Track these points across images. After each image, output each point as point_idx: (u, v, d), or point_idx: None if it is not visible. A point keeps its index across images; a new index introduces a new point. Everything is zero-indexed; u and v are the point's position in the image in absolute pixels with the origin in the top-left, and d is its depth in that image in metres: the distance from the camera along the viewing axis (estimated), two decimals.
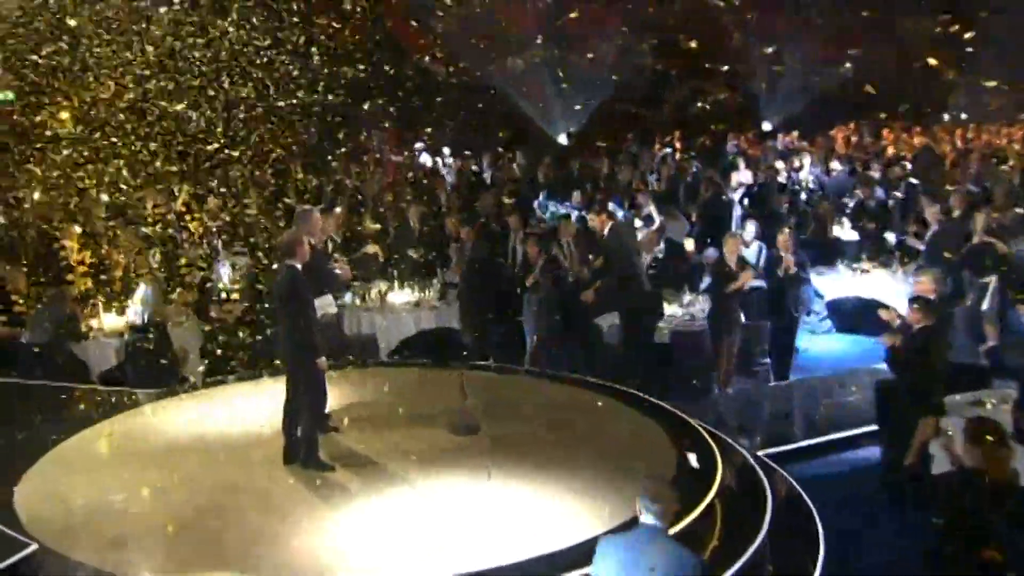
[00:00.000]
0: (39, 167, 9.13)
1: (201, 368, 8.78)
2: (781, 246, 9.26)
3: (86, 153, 9.12)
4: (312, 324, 6.02)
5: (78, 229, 9.33)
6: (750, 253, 9.55)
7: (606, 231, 8.77)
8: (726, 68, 17.53)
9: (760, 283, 9.27)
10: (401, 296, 9.83)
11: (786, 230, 9.50)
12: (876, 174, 12.09)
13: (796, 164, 13.22)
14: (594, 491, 5.66)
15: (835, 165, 13.33)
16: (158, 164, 9.71)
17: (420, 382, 7.99)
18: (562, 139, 17.96)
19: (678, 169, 13.56)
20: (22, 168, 9.30)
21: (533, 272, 8.99)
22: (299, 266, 5.95)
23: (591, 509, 5.42)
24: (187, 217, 10.94)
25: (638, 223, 10.55)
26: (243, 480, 6.05)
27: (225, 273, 9.65)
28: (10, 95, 9.70)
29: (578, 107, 17.88)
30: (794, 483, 6.37)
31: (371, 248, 8.78)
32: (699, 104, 18.18)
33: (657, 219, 10.54)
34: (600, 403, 7.38)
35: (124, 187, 8.94)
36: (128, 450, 6.57)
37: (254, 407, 7.15)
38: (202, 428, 6.91)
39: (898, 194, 11.09)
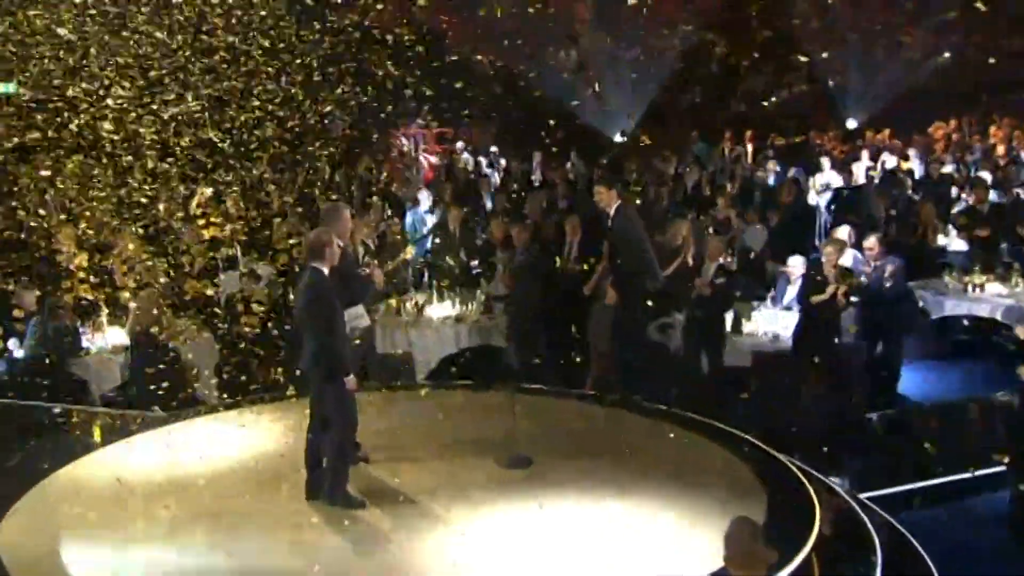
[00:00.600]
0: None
1: (215, 388, 8.65)
2: (870, 254, 8.85)
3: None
4: (339, 336, 5.81)
5: (73, 230, 9.19)
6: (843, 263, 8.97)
7: (612, 210, 8.12)
8: (805, 59, 16.98)
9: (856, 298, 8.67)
10: (440, 309, 9.63)
11: (873, 237, 9.06)
12: (987, 175, 11.44)
13: (891, 164, 12.64)
14: (666, 537, 5.42)
15: (935, 166, 12.70)
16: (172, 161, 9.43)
17: (463, 406, 7.77)
18: (617, 137, 17.56)
19: (753, 170, 13.04)
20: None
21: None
22: (326, 270, 5.75)
23: (662, 559, 5.15)
24: (201, 220, 10.72)
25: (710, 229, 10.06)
26: (261, 517, 5.82)
27: (243, 283, 9.41)
28: (11, 87, 9.49)
29: (636, 103, 17.42)
30: (904, 532, 5.98)
31: (408, 252, 8.42)
32: (774, 99, 17.64)
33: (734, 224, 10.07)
34: (672, 433, 7.06)
35: (131, 182, 8.58)
36: (130, 481, 6.36)
37: (274, 433, 7.03)
38: (215, 457, 6.74)
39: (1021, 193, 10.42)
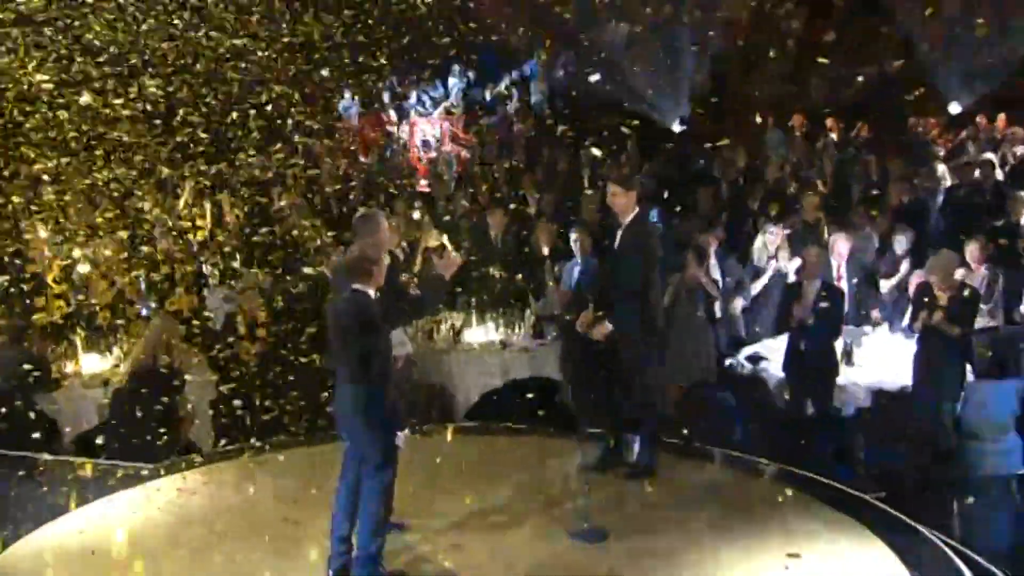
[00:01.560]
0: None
1: (211, 431, 8.27)
2: (974, 262, 8.48)
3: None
4: (389, 375, 5.54)
5: (44, 234, 8.86)
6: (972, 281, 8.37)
7: (627, 219, 7.35)
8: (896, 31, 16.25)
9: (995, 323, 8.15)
10: (481, 333, 9.35)
11: (974, 243, 8.65)
12: None
13: (1012, 158, 11.92)
14: None
15: None
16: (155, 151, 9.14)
17: (513, 455, 7.36)
18: (676, 126, 16.87)
19: (846, 163, 12.33)
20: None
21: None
22: (372, 292, 5.42)
23: None
24: (187, 223, 10.51)
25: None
26: None
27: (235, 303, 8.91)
28: None
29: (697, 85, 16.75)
30: None
31: (450, 257, 7.71)
32: (859, 79, 16.89)
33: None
34: (781, 496, 6.49)
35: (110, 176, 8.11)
36: (107, 555, 5.95)
37: (283, 489, 6.75)
38: (211, 520, 6.37)
39: None
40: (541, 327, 9.29)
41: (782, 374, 8.26)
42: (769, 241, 9.40)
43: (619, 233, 6.87)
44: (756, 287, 9.21)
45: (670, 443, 7.65)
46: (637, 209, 7.26)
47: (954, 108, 15.97)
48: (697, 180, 12.34)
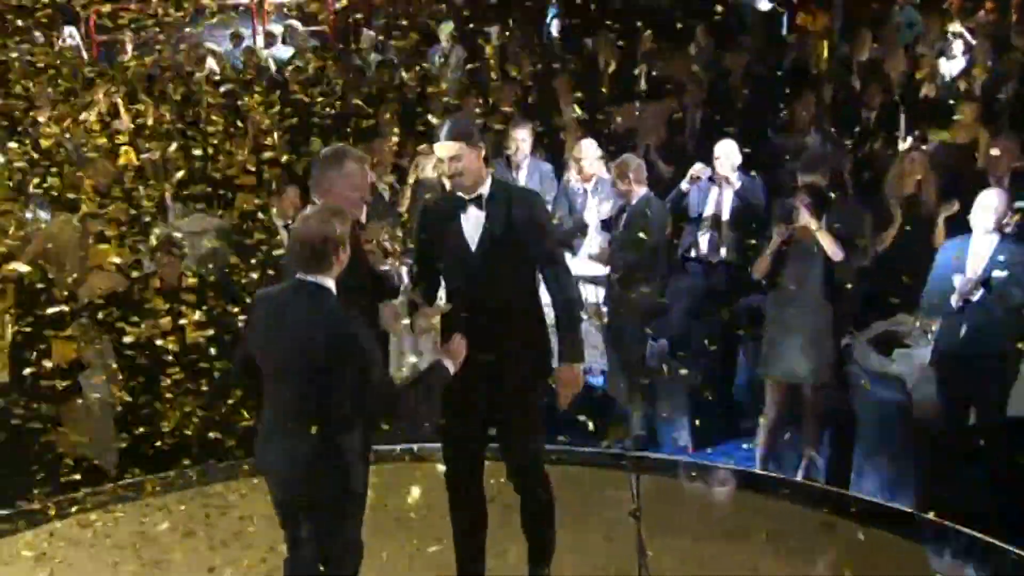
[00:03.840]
0: None
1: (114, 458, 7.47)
2: None
3: None
4: (356, 419, 4.50)
5: None
6: None
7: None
8: None
9: None
10: None
11: None
12: None
13: None
14: None
15: None
16: None
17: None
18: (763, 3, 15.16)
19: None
20: None
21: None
22: (332, 285, 4.46)
23: None
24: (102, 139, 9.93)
25: None
26: None
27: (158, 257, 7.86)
28: None
29: None
30: None
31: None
32: None
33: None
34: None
35: None
36: None
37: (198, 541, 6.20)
38: None
39: None
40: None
41: (928, 368, 7.03)
42: (906, 170, 7.98)
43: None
44: (886, 241, 7.91)
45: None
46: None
47: None
48: (796, 82, 10.90)
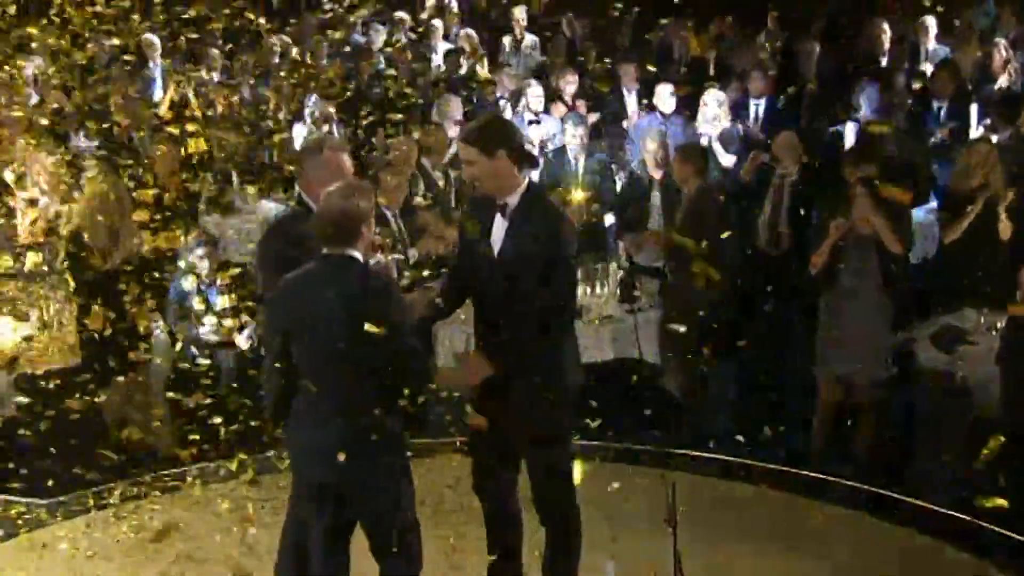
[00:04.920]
0: None
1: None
2: None
3: None
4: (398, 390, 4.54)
5: None
6: None
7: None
8: None
9: None
10: None
11: None
12: None
13: None
14: None
15: None
16: None
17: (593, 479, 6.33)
18: None
19: None
20: None
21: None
22: (360, 256, 4.49)
23: None
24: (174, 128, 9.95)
25: None
26: None
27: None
28: None
29: None
30: None
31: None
32: None
33: None
34: None
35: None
36: None
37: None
38: None
39: None
40: (632, 285, 7.96)
41: (992, 366, 6.70)
42: (974, 161, 7.67)
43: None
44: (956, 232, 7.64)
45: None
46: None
47: None
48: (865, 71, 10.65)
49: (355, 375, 4.35)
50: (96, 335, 7.01)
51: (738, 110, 10.15)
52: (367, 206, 4.44)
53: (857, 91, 9.84)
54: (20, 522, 6.27)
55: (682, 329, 7.18)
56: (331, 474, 4.39)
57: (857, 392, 6.96)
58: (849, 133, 9.61)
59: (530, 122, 10.00)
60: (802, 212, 7.87)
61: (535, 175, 7.95)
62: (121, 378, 7.11)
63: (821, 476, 6.72)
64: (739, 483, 6.78)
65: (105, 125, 9.56)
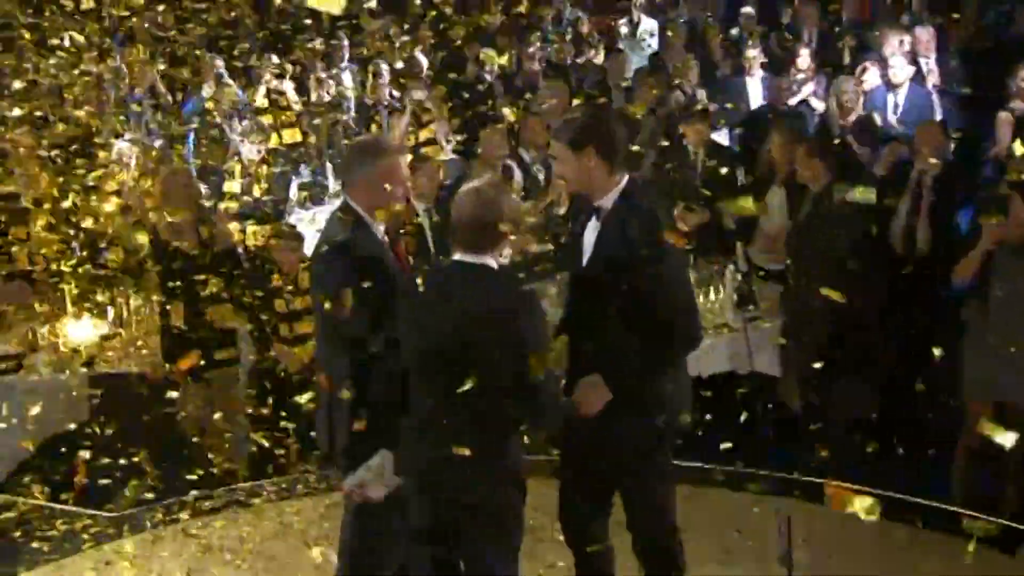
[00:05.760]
0: None
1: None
2: None
3: None
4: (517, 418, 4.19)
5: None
6: None
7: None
8: None
9: None
10: None
11: None
12: None
13: None
14: None
15: None
16: None
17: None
18: None
19: None
20: None
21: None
22: (494, 264, 4.22)
23: None
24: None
25: None
26: None
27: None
28: None
29: None
30: None
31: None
32: None
33: None
34: None
35: None
36: None
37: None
38: None
39: None
40: (751, 289, 7.43)
41: None
42: None
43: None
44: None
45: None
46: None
47: None
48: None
49: (460, 398, 3.94)
50: (178, 332, 6.73)
51: (874, 97, 9.48)
52: (513, 207, 4.12)
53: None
54: (85, 536, 6.03)
55: (804, 340, 6.93)
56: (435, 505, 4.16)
57: (1009, 418, 6.23)
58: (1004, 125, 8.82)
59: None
60: (944, 214, 7.20)
61: None
62: (202, 380, 6.81)
63: (972, 514, 5.82)
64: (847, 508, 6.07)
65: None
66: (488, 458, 4.00)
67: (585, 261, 4.39)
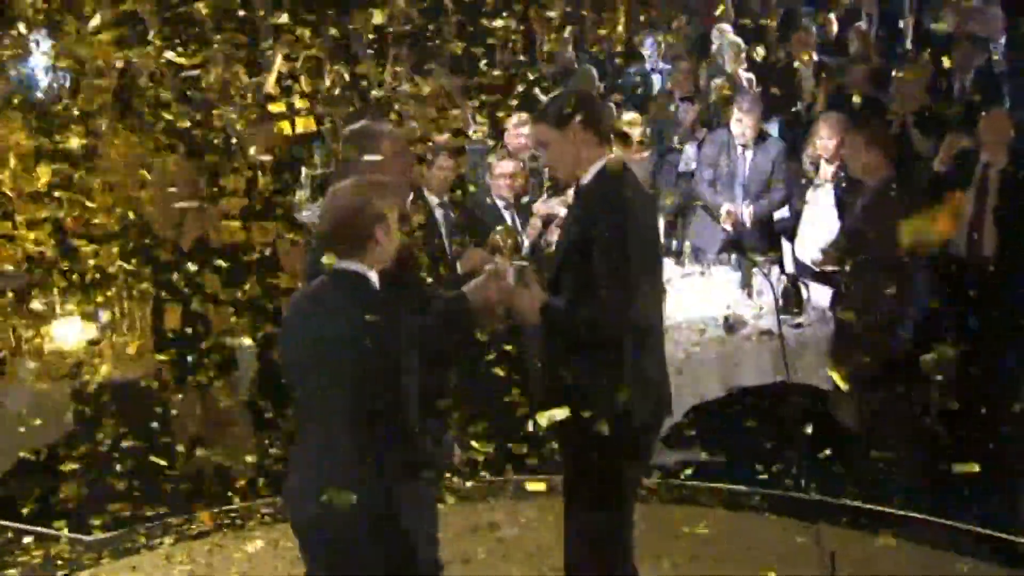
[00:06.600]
0: None
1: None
2: None
3: None
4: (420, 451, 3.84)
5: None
6: None
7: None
8: None
9: None
10: (689, 302, 7.33)
11: None
12: None
13: None
14: None
15: None
16: None
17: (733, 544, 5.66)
18: None
19: None
20: None
21: None
22: (373, 276, 3.89)
23: None
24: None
25: None
26: None
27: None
28: None
29: None
30: None
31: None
32: None
33: None
34: None
35: None
36: None
37: None
38: None
39: None
40: (798, 291, 7.12)
41: None
42: None
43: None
44: None
45: None
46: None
47: None
48: None
49: (325, 414, 3.73)
50: (172, 336, 6.47)
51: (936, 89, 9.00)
52: (383, 205, 3.81)
53: None
54: (59, 562, 5.72)
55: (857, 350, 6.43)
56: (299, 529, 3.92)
57: None
58: None
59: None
60: (1012, 210, 6.81)
61: None
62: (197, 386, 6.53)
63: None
64: (926, 547, 5.61)
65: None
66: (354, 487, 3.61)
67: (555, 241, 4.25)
